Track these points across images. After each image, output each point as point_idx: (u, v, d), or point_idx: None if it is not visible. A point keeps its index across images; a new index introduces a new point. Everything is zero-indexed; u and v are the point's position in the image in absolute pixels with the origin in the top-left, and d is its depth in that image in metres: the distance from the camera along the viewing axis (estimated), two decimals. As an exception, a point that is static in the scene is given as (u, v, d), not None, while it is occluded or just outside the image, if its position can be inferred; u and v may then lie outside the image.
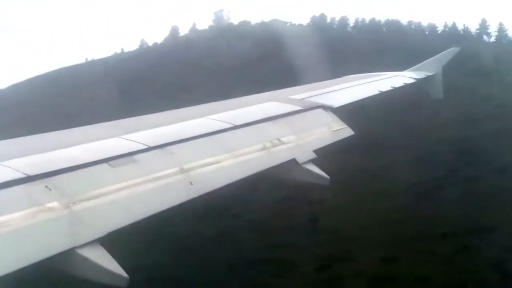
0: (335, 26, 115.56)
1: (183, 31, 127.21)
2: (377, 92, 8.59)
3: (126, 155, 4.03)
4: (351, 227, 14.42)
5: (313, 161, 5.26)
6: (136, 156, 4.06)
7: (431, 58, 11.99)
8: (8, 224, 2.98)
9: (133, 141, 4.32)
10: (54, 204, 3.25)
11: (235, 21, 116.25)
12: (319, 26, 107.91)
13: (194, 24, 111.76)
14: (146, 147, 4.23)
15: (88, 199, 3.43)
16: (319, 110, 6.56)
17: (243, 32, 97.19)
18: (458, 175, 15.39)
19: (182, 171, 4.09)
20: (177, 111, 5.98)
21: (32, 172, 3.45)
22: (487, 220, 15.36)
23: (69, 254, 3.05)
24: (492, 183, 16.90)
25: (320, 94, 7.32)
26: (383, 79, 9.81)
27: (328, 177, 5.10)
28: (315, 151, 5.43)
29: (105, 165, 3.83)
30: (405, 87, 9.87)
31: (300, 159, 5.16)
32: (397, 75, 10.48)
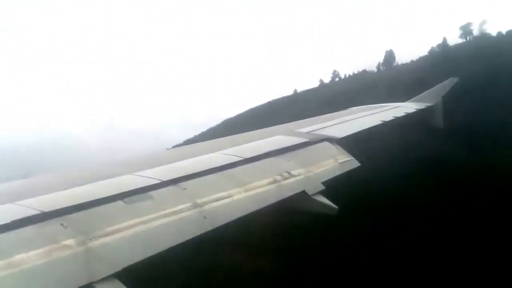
0: None
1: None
2: (380, 122, 8.72)
3: (139, 192, 4.06)
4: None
5: (321, 192, 5.35)
6: (150, 193, 4.10)
7: (431, 89, 12.17)
8: (25, 262, 3.00)
9: (146, 177, 4.37)
10: (70, 241, 3.27)
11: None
12: None
13: (445, 39, 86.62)
14: (159, 183, 4.27)
15: (104, 235, 3.45)
16: (325, 143, 6.66)
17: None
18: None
19: (195, 205, 4.13)
20: (187, 147, 6.07)
21: (47, 210, 3.48)
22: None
23: None
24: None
25: (325, 127, 7.44)
26: (385, 110, 9.95)
27: (336, 207, 5.19)
28: (323, 183, 5.52)
29: (119, 202, 3.86)
30: (407, 117, 10.01)
31: (309, 190, 5.25)
32: (398, 106, 10.63)
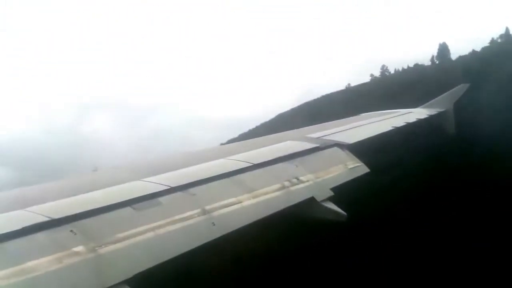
0: None
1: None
2: (391, 128, 8.69)
3: (148, 198, 4.09)
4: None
5: (330, 198, 5.35)
6: (159, 199, 4.13)
7: (442, 95, 12.10)
8: (35, 269, 3.03)
9: (155, 183, 4.40)
10: (80, 248, 3.30)
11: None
12: None
13: (507, 29, 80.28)
14: (167, 189, 4.30)
15: (113, 242, 3.48)
16: (335, 148, 6.65)
17: None
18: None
19: (204, 212, 4.15)
20: (196, 152, 6.09)
21: (56, 217, 3.52)
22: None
23: None
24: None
25: (336, 133, 7.43)
26: (396, 116, 9.91)
27: (345, 214, 5.18)
28: (332, 189, 5.51)
29: (128, 208, 3.89)
30: (418, 123, 9.96)
31: (318, 197, 5.24)
32: (410, 112, 10.58)
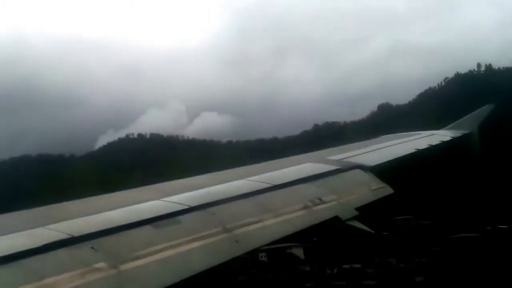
0: None
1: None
2: (413, 150, 8.58)
3: (168, 217, 4.10)
4: None
5: (356, 218, 5.29)
6: (178, 218, 4.14)
7: (467, 116, 11.93)
8: (57, 285, 3.04)
9: (174, 202, 4.41)
10: (101, 264, 3.32)
11: None
12: None
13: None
14: (187, 208, 4.30)
15: (134, 259, 3.48)
16: (357, 170, 6.58)
17: None
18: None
19: (225, 230, 4.13)
20: (217, 174, 6.09)
21: (78, 234, 3.54)
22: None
23: None
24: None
25: (357, 155, 7.36)
26: (419, 138, 9.78)
27: (372, 231, 5.13)
28: (357, 209, 5.45)
29: (148, 227, 3.90)
30: (442, 145, 9.82)
31: (343, 216, 5.18)
32: (433, 134, 10.43)
